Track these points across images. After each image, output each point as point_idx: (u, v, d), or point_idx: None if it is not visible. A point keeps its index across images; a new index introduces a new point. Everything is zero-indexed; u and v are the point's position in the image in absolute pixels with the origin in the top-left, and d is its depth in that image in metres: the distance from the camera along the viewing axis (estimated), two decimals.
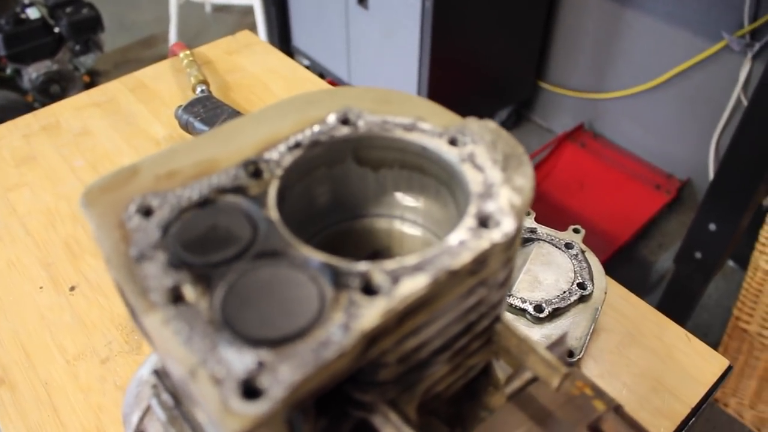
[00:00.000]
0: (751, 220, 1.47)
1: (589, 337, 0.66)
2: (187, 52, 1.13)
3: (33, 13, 2.51)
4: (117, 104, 1.08)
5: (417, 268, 0.27)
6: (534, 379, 0.38)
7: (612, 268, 2.06)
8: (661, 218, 2.17)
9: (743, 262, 1.67)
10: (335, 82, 2.46)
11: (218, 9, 3.36)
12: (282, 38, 2.65)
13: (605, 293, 0.70)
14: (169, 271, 0.28)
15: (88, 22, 2.61)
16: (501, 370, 0.41)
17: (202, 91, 1.03)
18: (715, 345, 1.51)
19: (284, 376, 0.23)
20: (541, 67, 2.44)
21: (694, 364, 0.69)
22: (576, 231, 0.77)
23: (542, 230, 0.77)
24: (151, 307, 0.26)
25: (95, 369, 0.68)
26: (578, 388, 0.38)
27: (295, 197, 0.34)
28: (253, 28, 2.82)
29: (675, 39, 1.97)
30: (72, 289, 0.76)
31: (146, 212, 0.31)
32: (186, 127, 0.95)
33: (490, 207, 0.30)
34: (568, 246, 0.74)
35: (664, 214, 2.17)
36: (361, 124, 0.35)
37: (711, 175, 2.02)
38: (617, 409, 0.38)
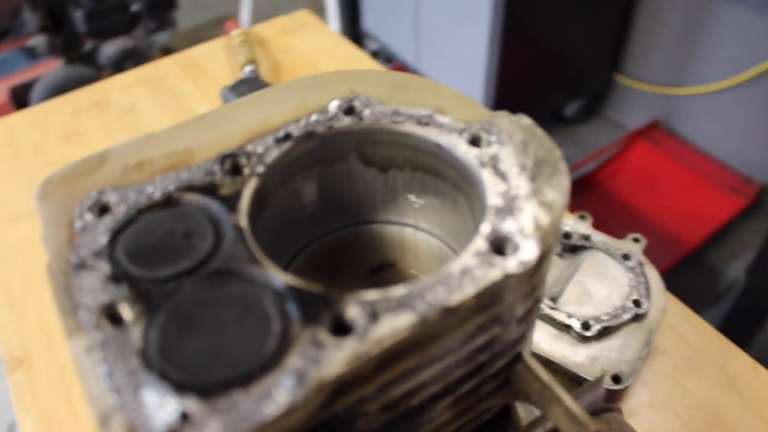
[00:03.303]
0: None
1: (641, 361, 0.59)
2: (240, 30, 1.09)
3: None
4: (167, 82, 1.06)
5: (402, 303, 0.21)
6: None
7: (678, 275, 1.93)
8: (735, 224, 2.02)
9: None
10: (402, 66, 2.40)
11: None
12: (352, 20, 2.60)
13: (663, 313, 0.62)
14: (108, 286, 0.23)
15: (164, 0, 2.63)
16: (524, 409, 0.35)
17: (251, 71, 0.99)
18: None
19: None
20: (617, 58, 2.31)
21: (761, 400, 0.60)
22: (636, 240, 0.69)
23: (597, 237, 0.69)
24: (78, 328, 0.22)
25: None
26: None
27: (282, 199, 0.29)
28: (323, 8, 2.77)
29: (766, 32, 1.82)
30: None
31: (101, 210, 0.26)
32: None
33: (508, 226, 0.24)
34: (626, 257, 0.67)
35: (740, 220, 2.02)
36: (367, 114, 0.29)
37: None
38: None
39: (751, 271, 1.43)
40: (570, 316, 0.61)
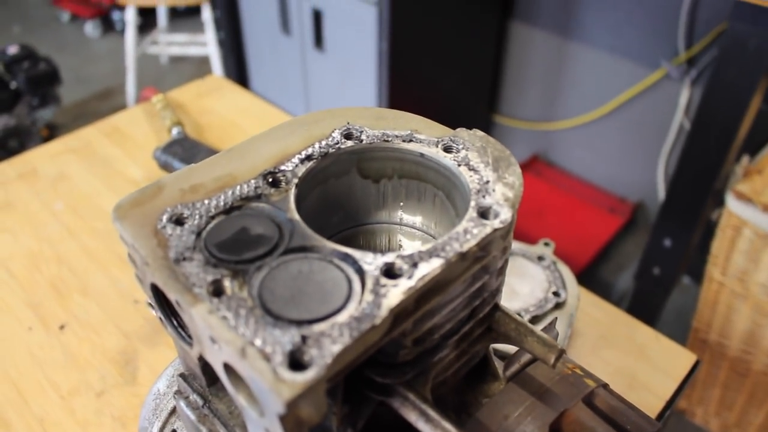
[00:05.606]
0: (702, 235, 1.55)
1: (566, 341, 0.70)
2: (160, 96, 1.15)
3: None
4: (92, 149, 1.10)
5: (431, 253, 0.31)
6: (529, 363, 0.42)
7: None
8: (618, 240, 2.25)
9: (697, 276, 1.74)
10: None
11: (174, 60, 3.40)
12: (240, 85, 2.69)
13: (578, 299, 0.74)
14: (208, 269, 0.31)
15: (45, 76, 2.62)
16: (498, 363, 0.45)
17: (179, 132, 1.06)
18: None
19: (327, 347, 0.27)
20: (494, 101, 2.53)
21: (664, 361, 0.73)
22: (546, 244, 0.82)
23: (515, 245, 0.81)
24: (197, 300, 0.29)
25: (91, 403, 0.69)
26: (569, 368, 0.42)
27: (307, 207, 0.38)
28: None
29: (618, 69, 2.09)
30: (62, 327, 0.77)
31: (178, 221, 0.34)
32: (165, 167, 0.98)
33: (488, 201, 0.34)
34: (540, 258, 0.79)
35: (621, 236, 2.26)
36: (363, 137, 0.39)
37: (661, 195, 2.12)
38: (605, 386, 0.42)
39: (638, 276, 1.62)
40: None
